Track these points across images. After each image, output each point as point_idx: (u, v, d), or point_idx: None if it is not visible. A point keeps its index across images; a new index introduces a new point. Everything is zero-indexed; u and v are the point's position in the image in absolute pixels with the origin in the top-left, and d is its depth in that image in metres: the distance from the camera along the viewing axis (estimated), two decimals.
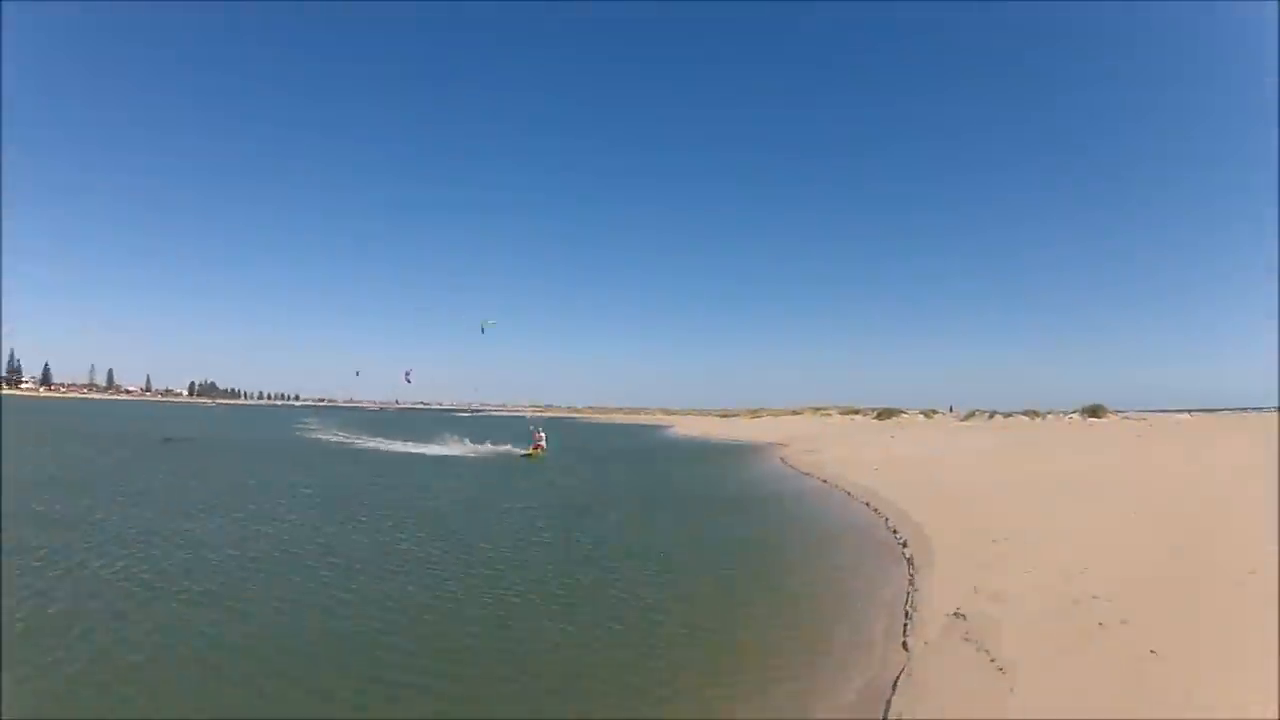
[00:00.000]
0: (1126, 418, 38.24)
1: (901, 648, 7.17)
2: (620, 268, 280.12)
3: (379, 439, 43.52)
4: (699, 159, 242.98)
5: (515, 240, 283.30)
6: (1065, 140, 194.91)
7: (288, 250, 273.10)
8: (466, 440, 37.40)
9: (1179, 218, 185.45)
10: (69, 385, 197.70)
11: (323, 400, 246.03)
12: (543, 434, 31.71)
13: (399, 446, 37.00)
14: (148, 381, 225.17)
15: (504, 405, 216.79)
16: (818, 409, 72.31)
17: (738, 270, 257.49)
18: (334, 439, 44.35)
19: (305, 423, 66.99)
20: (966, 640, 6.81)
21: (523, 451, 30.89)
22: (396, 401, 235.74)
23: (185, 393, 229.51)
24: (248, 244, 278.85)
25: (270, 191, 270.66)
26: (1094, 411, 40.69)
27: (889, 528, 13.89)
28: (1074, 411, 41.90)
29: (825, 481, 22.21)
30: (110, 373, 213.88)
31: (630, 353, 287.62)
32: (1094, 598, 7.49)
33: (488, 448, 34.12)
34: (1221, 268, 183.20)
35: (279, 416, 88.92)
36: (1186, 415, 40.74)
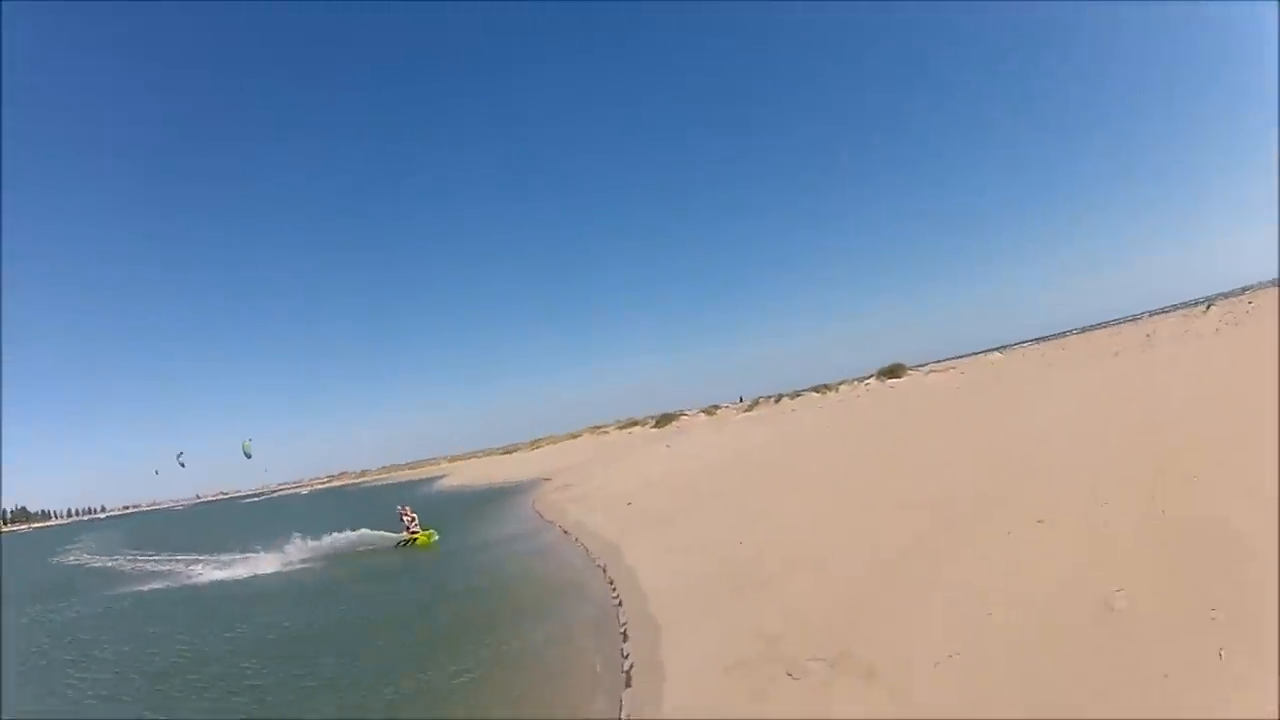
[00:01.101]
0: (933, 371, 31.74)
1: None
2: (385, 322, 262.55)
3: (141, 557, 29.33)
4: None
5: (281, 309, 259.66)
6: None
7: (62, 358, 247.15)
8: (271, 547, 22.02)
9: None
10: None
11: (128, 508, 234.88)
12: (413, 513, 21.37)
13: (163, 569, 23.75)
14: None
15: (300, 481, 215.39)
16: (597, 428, 62.42)
17: (506, 297, 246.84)
18: (98, 563, 30.99)
19: (77, 542, 50.80)
20: None
21: (399, 537, 20.78)
22: (197, 496, 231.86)
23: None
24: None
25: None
26: (892, 372, 34.17)
27: (620, 624, 8.57)
28: (869, 376, 35.23)
29: (568, 532, 17.36)
30: None
31: (417, 407, 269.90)
32: None
33: (311, 546, 21.25)
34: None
35: (59, 537, 69.26)
36: (997, 354, 35.37)
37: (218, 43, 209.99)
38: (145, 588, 19.89)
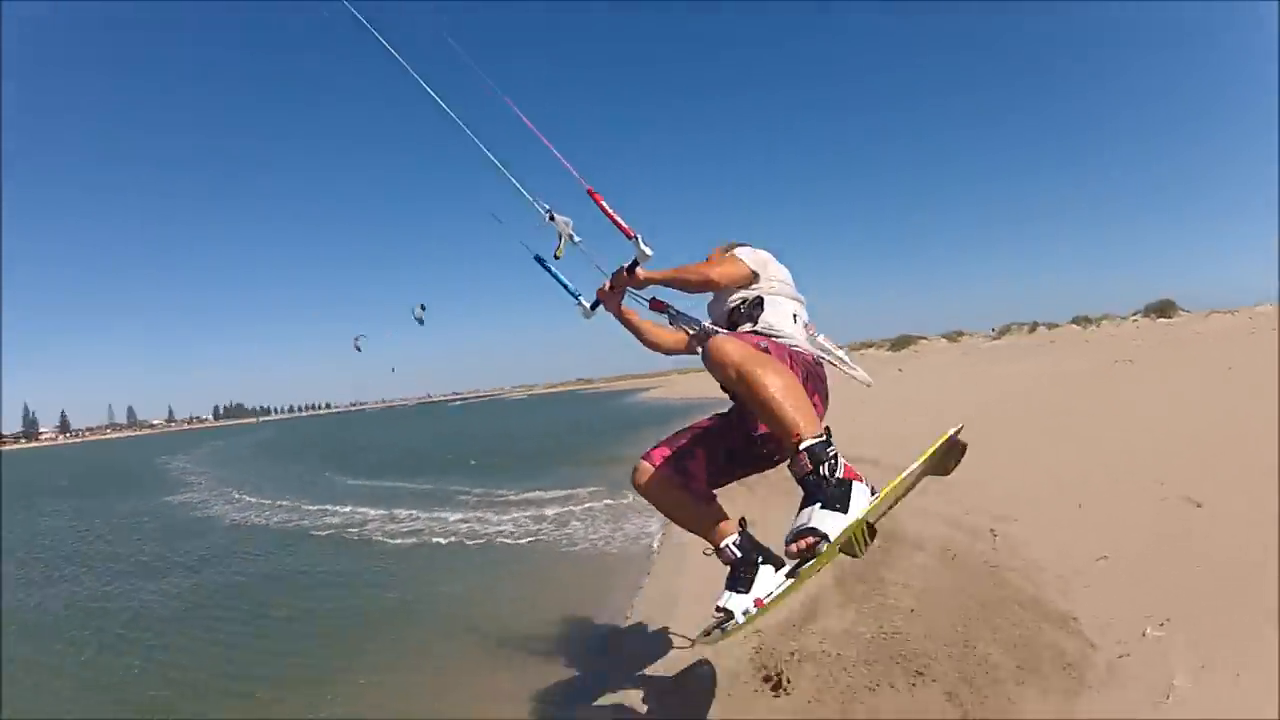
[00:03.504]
0: (1215, 313, 28.95)
1: None
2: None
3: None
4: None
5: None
6: None
7: (302, 258, 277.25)
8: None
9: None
10: (90, 429, 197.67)
11: (354, 405, 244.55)
12: None
13: None
14: (170, 413, 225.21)
15: (533, 386, 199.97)
16: None
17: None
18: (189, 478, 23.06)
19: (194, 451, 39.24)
20: None
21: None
22: (428, 394, 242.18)
23: (211, 418, 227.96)
24: (259, 257, 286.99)
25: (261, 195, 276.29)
26: (1162, 310, 31.39)
27: None
28: (1136, 314, 32.64)
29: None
30: (130, 409, 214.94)
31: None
32: None
33: None
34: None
35: (220, 436, 70.61)
36: (1268, 305, 29.52)
37: None
38: None
